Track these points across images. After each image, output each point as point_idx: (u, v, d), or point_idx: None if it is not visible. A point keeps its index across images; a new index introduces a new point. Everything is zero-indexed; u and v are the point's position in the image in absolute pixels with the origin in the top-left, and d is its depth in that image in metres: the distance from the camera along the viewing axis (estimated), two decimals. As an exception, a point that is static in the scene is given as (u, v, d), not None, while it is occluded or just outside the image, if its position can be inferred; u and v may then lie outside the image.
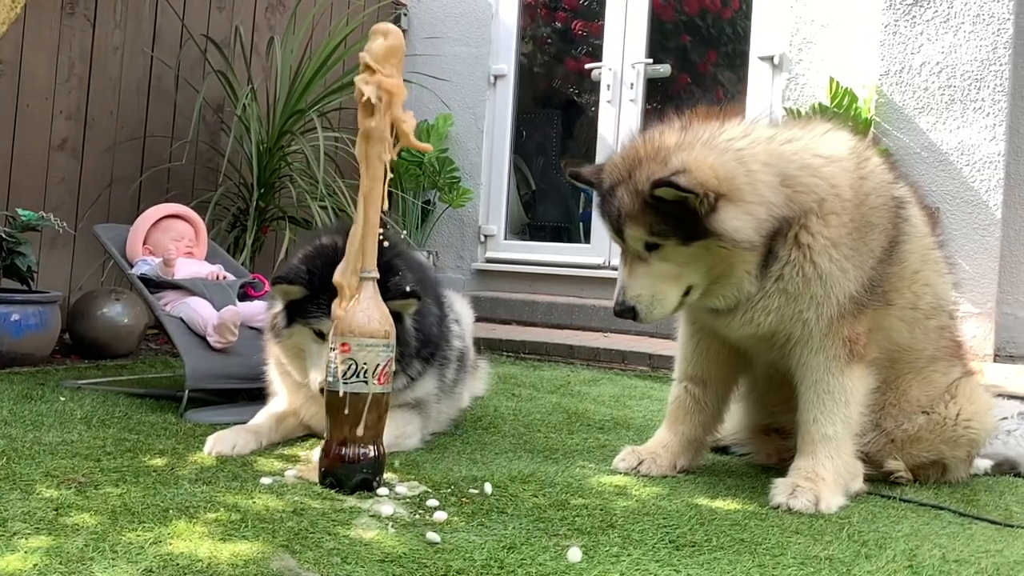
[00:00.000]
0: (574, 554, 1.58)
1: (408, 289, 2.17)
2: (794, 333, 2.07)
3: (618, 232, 1.99)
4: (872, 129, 4.54)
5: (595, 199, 2.05)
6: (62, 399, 2.71)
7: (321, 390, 2.16)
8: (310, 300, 2.21)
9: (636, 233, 1.94)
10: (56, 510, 1.68)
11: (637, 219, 1.92)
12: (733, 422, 2.50)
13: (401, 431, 2.31)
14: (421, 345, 2.32)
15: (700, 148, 1.91)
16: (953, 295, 2.39)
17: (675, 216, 1.87)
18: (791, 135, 2.04)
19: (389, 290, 2.09)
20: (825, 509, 1.97)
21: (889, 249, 2.07)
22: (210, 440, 2.21)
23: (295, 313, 2.24)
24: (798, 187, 1.96)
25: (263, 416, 2.38)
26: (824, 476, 2.04)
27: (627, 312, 1.97)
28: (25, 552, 1.46)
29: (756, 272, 1.97)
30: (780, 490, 2.02)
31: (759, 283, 1.98)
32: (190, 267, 3.17)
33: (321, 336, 2.21)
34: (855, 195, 2.01)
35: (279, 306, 2.30)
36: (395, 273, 2.22)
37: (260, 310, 3.04)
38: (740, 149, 1.94)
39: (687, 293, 2.00)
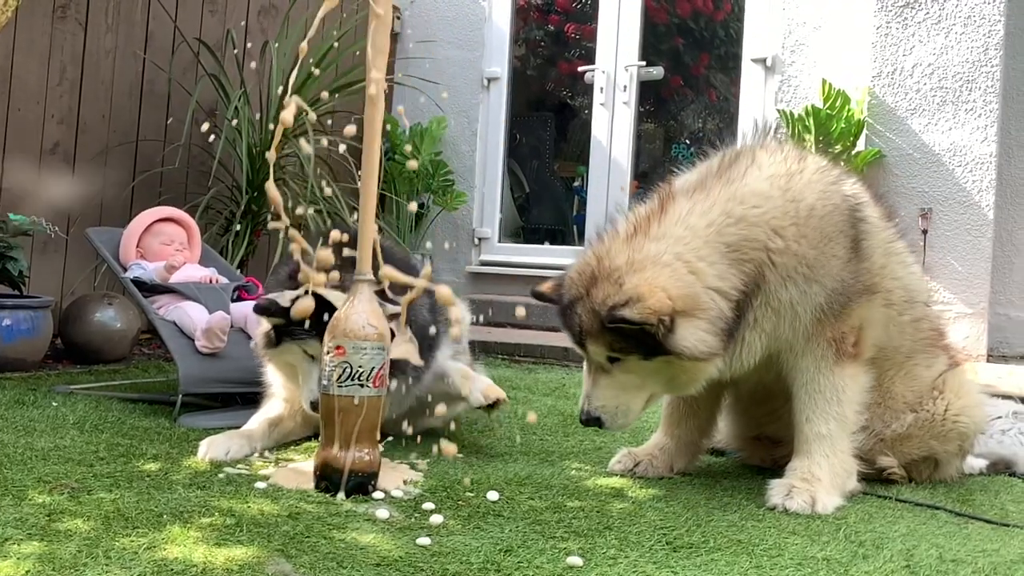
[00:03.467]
0: (574, 562, 1.57)
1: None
2: (781, 349, 2.09)
3: (580, 346, 2.02)
4: (864, 130, 4.56)
5: (557, 312, 2.07)
6: (54, 404, 2.70)
7: (313, 407, 2.15)
8: (297, 322, 2.18)
9: (597, 349, 1.97)
10: (49, 516, 1.66)
11: (597, 338, 1.95)
12: (724, 431, 2.50)
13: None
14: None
15: (651, 267, 1.92)
16: (924, 284, 2.40)
17: (634, 336, 1.90)
18: (722, 204, 2.00)
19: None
20: (821, 510, 1.97)
21: (854, 248, 2.08)
22: (203, 445, 2.20)
23: (283, 332, 2.21)
24: (743, 247, 1.98)
25: (257, 421, 2.37)
26: (820, 477, 2.04)
27: (593, 422, 2.01)
28: (18, 558, 1.45)
29: (723, 362, 1.98)
30: (776, 491, 2.02)
31: (735, 338, 1.99)
32: (184, 271, 3.15)
33: (310, 356, 2.20)
34: (794, 220, 2.01)
35: (267, 326, 2.26)
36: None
37: (251, 312, 3.03)
38: (688, 260, 1.94)
39: (651, 398, 2.05)
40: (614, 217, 2.12)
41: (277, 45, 4.46)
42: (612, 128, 5.44)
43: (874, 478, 2.26)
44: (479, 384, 2.37)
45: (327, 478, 1.93)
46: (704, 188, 2.06)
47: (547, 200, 6.78)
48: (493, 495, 1.95)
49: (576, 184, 6.49)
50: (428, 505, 1.86)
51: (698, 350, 1.89)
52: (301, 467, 2.12)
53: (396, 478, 2.05)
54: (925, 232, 4.41)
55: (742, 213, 1.99)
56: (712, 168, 2.12)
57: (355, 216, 2.29)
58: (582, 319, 1.97)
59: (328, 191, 4.09)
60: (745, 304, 1.98)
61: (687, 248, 1.95)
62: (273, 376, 2.45)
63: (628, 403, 2.00)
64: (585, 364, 2.06)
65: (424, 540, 1.63)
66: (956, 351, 2.45)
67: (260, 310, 2.21)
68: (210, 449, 2.18)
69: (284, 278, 2.31)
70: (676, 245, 1.95)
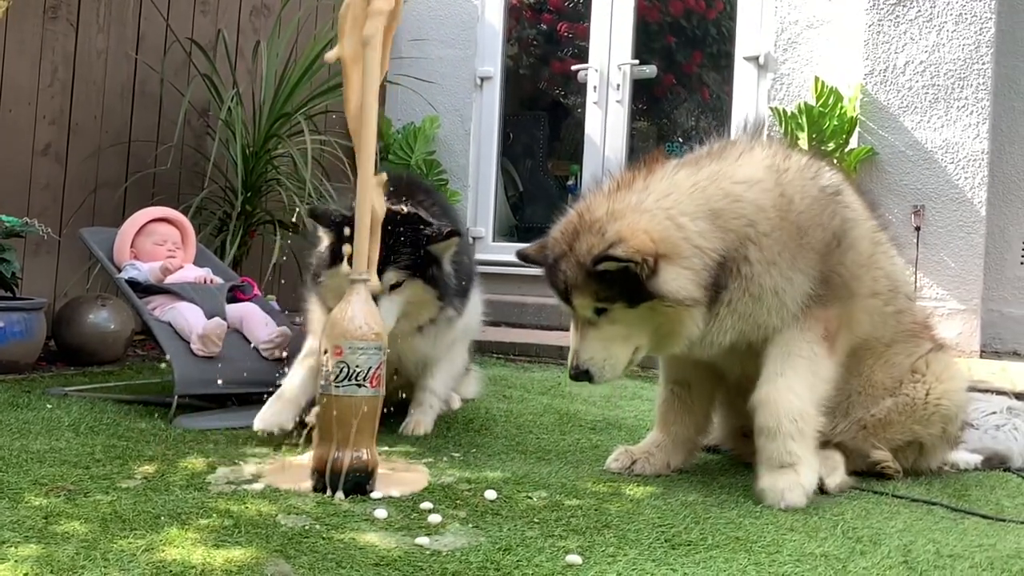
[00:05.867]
0: (573, 560, 1.57)
1: (449, 230, 2.34)
2: (756, 338, 2.09)
3: (567, 301, 2.04)
4: (857, 128, 4.57)
5: (543, 272, 2.10)
6: (49, 407, 2.68)
7: None
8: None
9: (584, 302, 2.00)
10: (46, 518, 1.66)
11: (583, 289, 1.98)
12: (717, 428, 2.51)
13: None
14: (460, 280, 2.47)
15: (631, 214, 1.97)
16: (906, 276, 2.42)
17: (619, 282, 1.93)
18: (710, 172, 2.06)
19: (430, 236, 2.32)
20: (808, 487, 2.00)
21: (834, 242, 2.09)
22: (257, 420, 2.34)
23: (336, 256, 2.28)
24: (728, 217, 2.01)
25: (297, 376, 2.40)
26: (799, 452, 2.03)
27: (582, 376, 2.03)
28: (15, 561, 1.44)
29: (704, 318, 2.00)
30: (769, 496, 2.01)
31: (709, 315, 2.01)
32: (179, 271, 3.14)
33: None
34: (779, 210, 2.04)
35: (323, 246, 2.35)
36: (434, 215, 2.40)
37: (248, 313, 3.02)
38: (668, 207, 1.98)
39: (637, 351, 2.06)
40: (599, 177, 2.16)
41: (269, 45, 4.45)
42: (605, 127, 5.44)
43: (868, 473, 2.27)
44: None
45: (325, 478, 1.92)
46: (695, 163, 2.11)
47: (541, 199, 6.78)
48: (491, 494, 1.95)
49: (570, 183, 6.49)
50: (426, 504, 1.86)
51: (680, 294, 1.92)
52: (297, 467, 2.11)
53: (409, 482, 2.03)
54: (918, 229, 4.43)
55: (731, 190, 2.03)
56: (703, 152, 2.18)
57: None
58: (567, 274, 2.00)
59: (322, 190, 4.09)
60: (722, 275, 2.00)
61: (671, 201, 2.00)
62: (316, 313, 2.46)
63: (616, 355, 2.02)
64: (572, 323, 2.08)
65: (423, 540, 1.63)
66: (942, 339, 2.46)
67: (315, 215, 2.35)
68: (263, 422, 2.31)
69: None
70: (659, 197, 2.00)
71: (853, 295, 2.14)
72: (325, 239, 2.37)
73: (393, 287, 2.31)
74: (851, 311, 2.15)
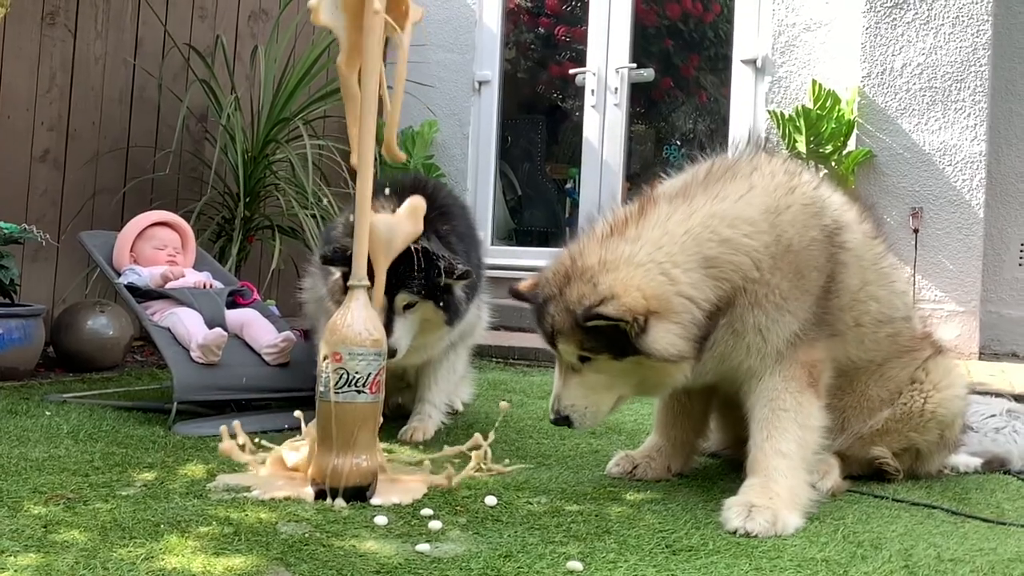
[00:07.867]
0: (574, 566, 1.57)
1: (460, 271, 2.40)
2: (738, 376, 2.05)
3: (552, 345, 2.02)
4: (855, 131, 4.58)
5: (532, 310, 2.08)
6: (48, 414, 2.68)
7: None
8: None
9: (569, 348, 1.97)
10: (45, 527, 1.66)
11: (569, 336, 1.95)
12: (715, 432, 2.49)
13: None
14: (468, 297, 2.55)
15: (625, 267, 1.92)
16: (905, 298, 2.36)
17: (606, 335, 1.89)
18: (704, 217, 1.98)
19: (445, 271, 2.38)
20: (782, 530, 1.83)
21: (827, 286, 2.05)
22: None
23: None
24: (722, 265, 1.96)
25: None
26: (779, 492, 1.91)
27: (562, 421, 2.01)
28: (14, 571, 1.44)
29: (691, 370, 1.96)
30: (735, 512, 1.86)
31: (696, 366, 1.98)
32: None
33: None
34: (771, 255, 1.99)
35: (336, 275, 2.41)
36: (448, 247, 2.44)
37: (249, 319, 3.02)
38: (662, 261, 1.93)
39: (619, 400, 2.04)
40: (593, 217, 2.11)
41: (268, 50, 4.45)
42: (603, 130, 5.45)
43: (867, 475, 2.27)
44: None
45: (325, 485, 1.92)
46: (687, 197, 2.03)
47: (539, 202, 6.79)
48: (491, 500, 1.95)
49: (568, 186, 6.49)
50: (426, 511, 1.86)
51: (668, 352, 1.88)
52: (296, 475, 2.11)
53: (409, 489, 2.02)
54: (916, 231, 4.44)
55: (727, 235, 1.97)
56: (698, 177, 2.09)
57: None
58: (555, 318, 1.97)
59: (320, 195, 4.09)
60: (711, 325, 1.95)
61: (662, 252, 1.94)
62: None
63: (597, 403, 2.00)
64: (556, 364, 2.05)
65: (423, 546, 1.63)
66: (941, 343, 2.44)
67: (326, 259, 2.39)
68: None
69: (342, 232, 2.44)
70: (651, 248, 1.95)
71: (836, 332, 2.11)
72: (337, 272, 2.43)
73: (406, 307, 2.40)
74: (834, 346, 2.12)
